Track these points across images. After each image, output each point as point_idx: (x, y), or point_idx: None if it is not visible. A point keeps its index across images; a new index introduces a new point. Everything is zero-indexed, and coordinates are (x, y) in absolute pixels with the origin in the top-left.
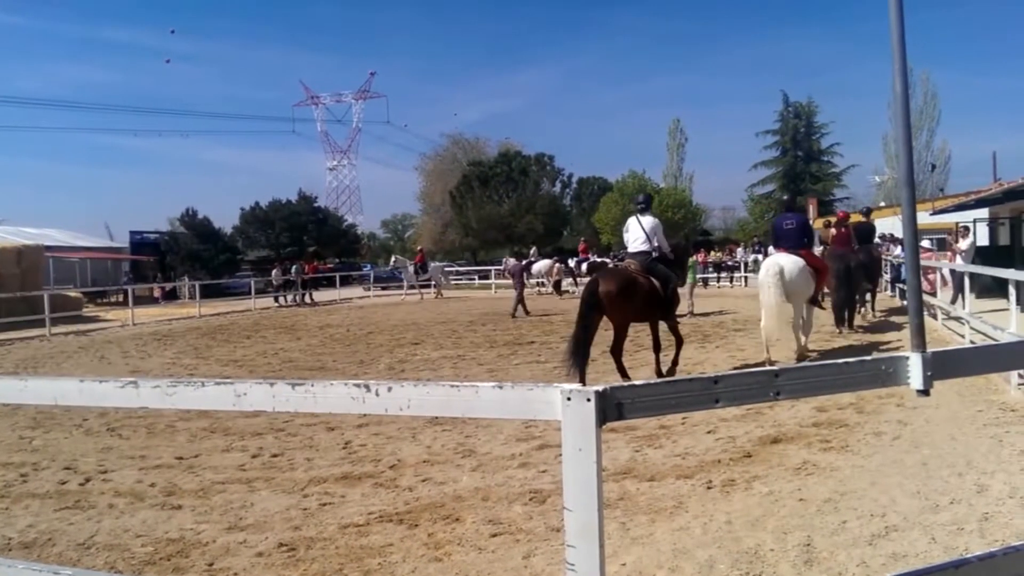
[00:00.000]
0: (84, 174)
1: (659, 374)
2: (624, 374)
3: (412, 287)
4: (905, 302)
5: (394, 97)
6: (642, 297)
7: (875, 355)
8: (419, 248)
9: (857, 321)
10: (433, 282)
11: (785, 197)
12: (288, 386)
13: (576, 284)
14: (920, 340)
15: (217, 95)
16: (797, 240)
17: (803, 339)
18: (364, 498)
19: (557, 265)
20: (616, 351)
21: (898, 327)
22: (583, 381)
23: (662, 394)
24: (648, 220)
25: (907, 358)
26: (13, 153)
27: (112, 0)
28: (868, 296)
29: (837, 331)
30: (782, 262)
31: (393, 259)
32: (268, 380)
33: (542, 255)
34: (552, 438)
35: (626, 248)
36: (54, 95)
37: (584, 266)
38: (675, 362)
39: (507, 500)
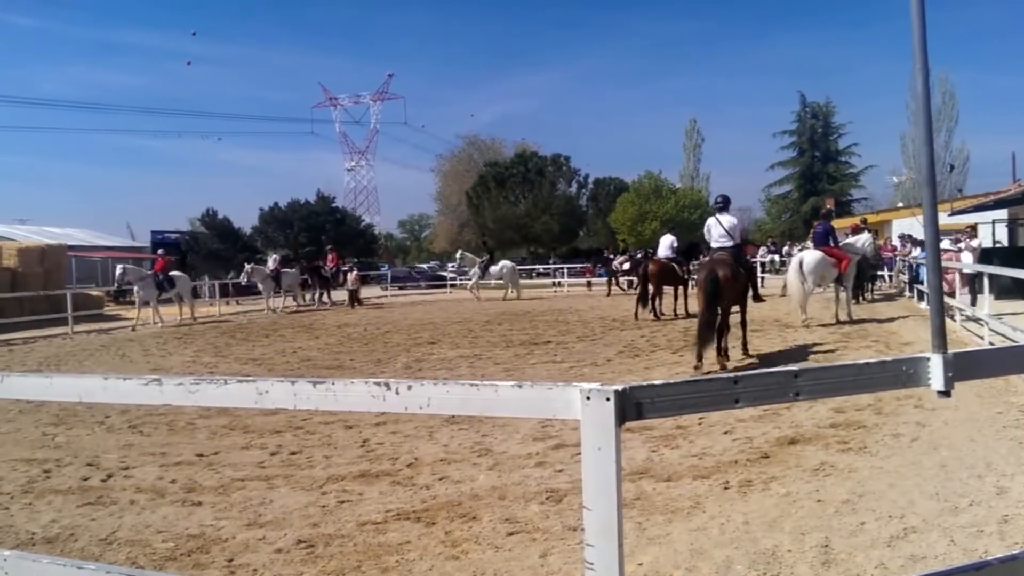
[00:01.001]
0: (106, 175)
1: (746, 352)
2: (723, 353)
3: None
4: (925, 304)
5: (411, 98)
6: (741, 283)
7: (895, 356)
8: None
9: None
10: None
11: (823, 211)
12: (309, 384)
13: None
14: (941, 340)
15: (237, 97)
16: (823, 240)
17: (841, 310)
18: (382, 496)
19: (353, 274)
20: (720, 331)
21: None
22: (700, 358)
23: (681, 394)
24: (727, 218)
25: (928, 359)
26: (37, 154)
27: (132, 4)
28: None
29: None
30: (804, 256)
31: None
32: (289, 378)
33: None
34: (568, 437)
35: (709, 244)
36: (76, 97)
37: (350, 276)
38: (745, 345)
39: (524, 499)
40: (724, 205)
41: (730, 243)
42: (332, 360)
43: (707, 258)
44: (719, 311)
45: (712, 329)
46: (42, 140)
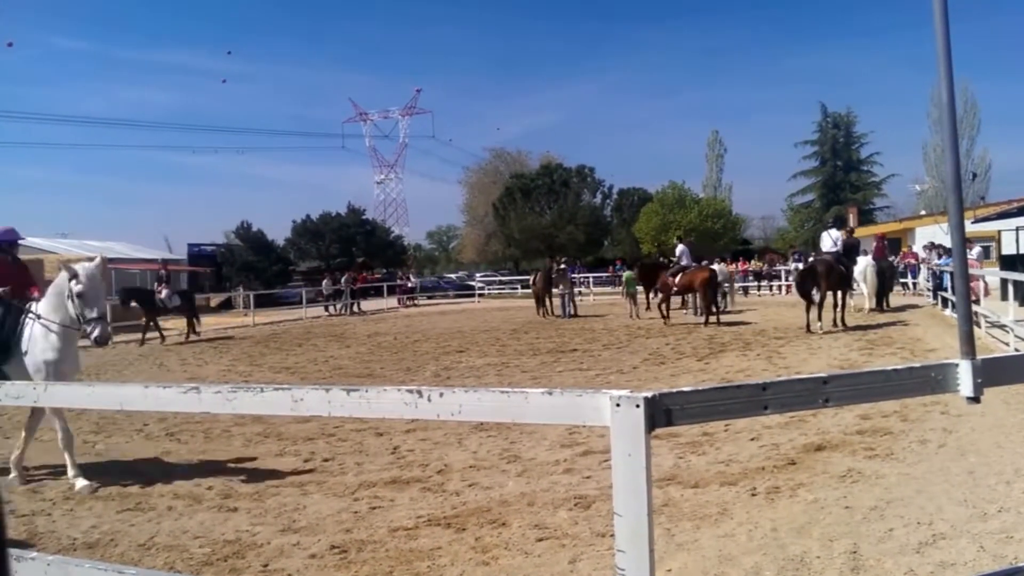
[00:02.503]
0: (145, 189)
1: (844, 324)
2: (835, 324)
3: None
4: (948, 311)
5: (439, 113)
6: (837, 275)
7: (923, 362)
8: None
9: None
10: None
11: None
12: (343, 392)
13: None
14: (970, 347)
15: (270, 113)
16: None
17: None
18: (412, 502)
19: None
20: (820, 306)
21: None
22: (807, 319)
23: (710, 400)
24: (834, 232)
25: (957, 365)
26: (78, 170)
27: (171, 25)
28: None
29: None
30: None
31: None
32: (324, 386)
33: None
34: (595, 444)
35: (821, 250)
36: (116, 115)
37: None
38: (843, 319)
39: (552, 505)
40: (832, 223)
41: (835, 249)
42: (363, 368)
43: (814, 258)
44: (819, 293)
45: (811, 302)
46: (83, 156)
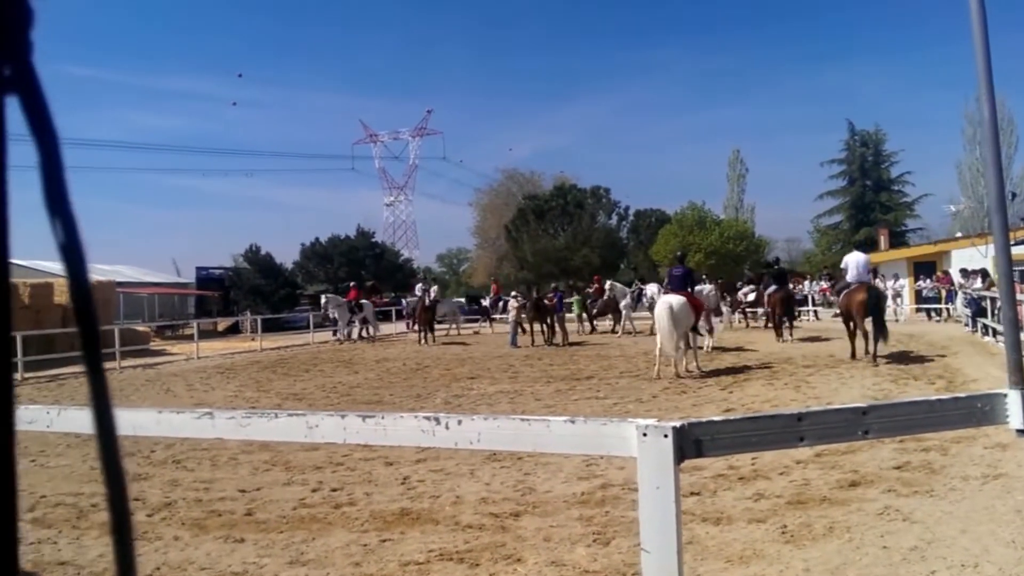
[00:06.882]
0: (153, 213)
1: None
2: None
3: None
4: (989, 338)
5: (450, 133)
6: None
7: (968, 392)
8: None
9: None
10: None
11: (678, 253)
12: (359, 418)
13: None
14: (1019, 376)
15: (280, 137)
16: (681, 285)
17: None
18: (424, 535)
19: None
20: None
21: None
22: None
23: (742, 431)
24: (864, 257)
25: (1005, 395)
26: (87, 193)
27: (180, 52)
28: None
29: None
30: (671, 300)
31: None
32: (339, 412)
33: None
34: (614, 477)
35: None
36: (124, 139)
37: None
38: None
39: (570, 541)
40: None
41: (867, 277)
42: (372, 395)
43: (854, 284)
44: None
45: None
46: (90, 179)
